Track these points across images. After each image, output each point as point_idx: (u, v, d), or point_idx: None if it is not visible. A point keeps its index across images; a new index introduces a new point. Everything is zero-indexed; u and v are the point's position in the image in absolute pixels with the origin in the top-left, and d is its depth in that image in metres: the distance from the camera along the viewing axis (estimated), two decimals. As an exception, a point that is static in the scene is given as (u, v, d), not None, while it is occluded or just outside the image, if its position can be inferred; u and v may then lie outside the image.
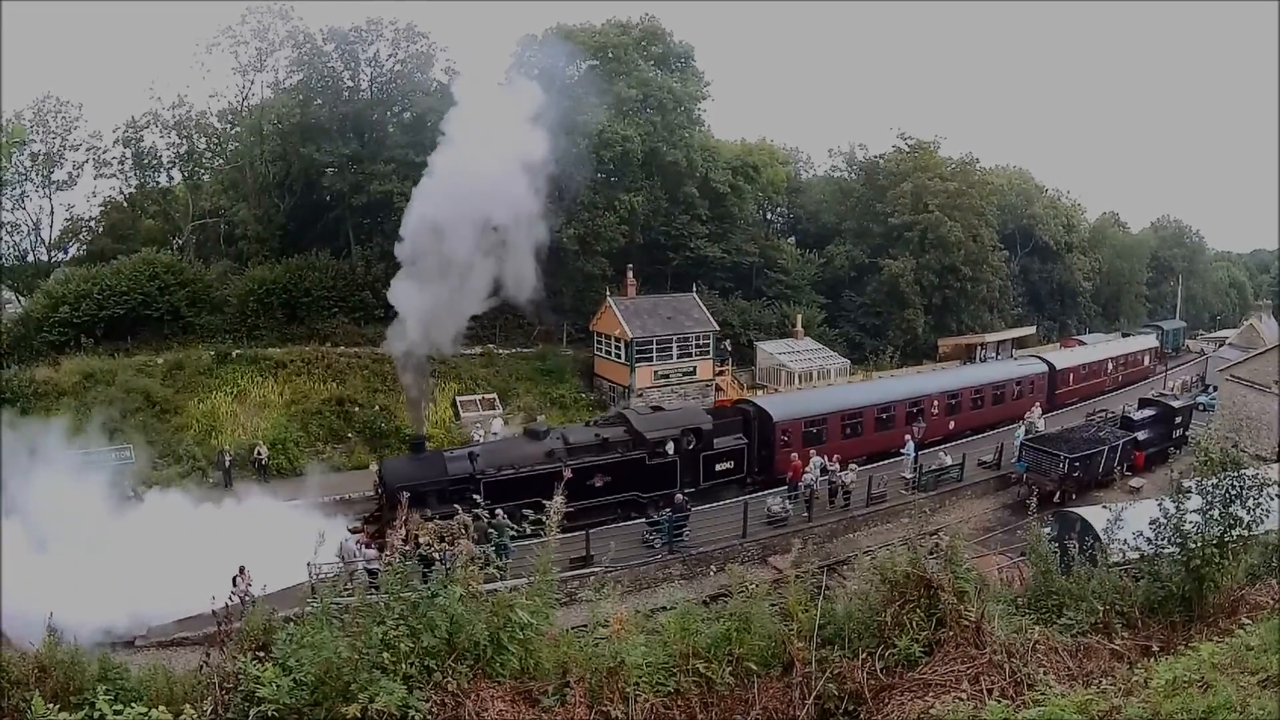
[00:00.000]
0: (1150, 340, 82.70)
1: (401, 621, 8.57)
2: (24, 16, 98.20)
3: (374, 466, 41.37)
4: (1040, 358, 66.55)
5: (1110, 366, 71.79)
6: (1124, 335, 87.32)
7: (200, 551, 28.99)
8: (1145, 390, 64.69)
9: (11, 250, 66.58)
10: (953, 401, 54.80)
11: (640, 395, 59.75)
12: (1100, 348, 75.64)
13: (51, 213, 66.24)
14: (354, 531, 33.47)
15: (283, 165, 66.12)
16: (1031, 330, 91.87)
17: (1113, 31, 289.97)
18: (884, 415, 50.58)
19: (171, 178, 69.37)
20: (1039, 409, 54.89)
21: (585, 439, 38.72)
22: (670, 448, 39.70)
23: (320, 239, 65.18)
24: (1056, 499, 41.10)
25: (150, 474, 42.40)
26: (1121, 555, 12.75)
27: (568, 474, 35.97)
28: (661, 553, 35.38)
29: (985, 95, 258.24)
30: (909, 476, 43.47)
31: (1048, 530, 20.64)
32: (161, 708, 7.60)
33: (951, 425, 53.03)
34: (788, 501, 39.39)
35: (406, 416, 53.40)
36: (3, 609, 23.45)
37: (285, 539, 32.73)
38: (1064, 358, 68.38)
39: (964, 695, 8.17)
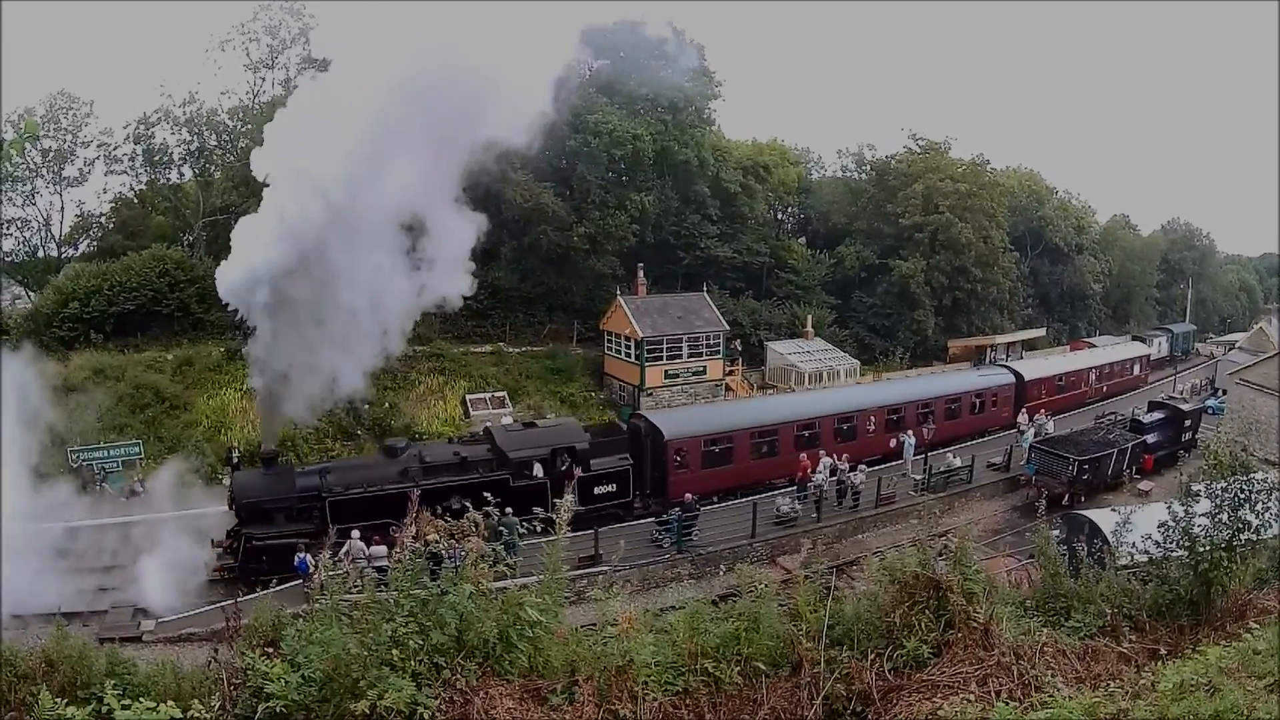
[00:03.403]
0: (1141, 347, 79.23)
1: (411, 619, 8.59)
2: (36, 13, 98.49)
3: (226, 481, 39.91)
4: (1008, 367, 62.20)
5: (1093, 376, 67.06)
6: (1134, 338, 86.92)
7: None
8: (1133, 403, 61.18)
9: (22, 246, 66.92)
10: (894, 417, 49.92)
11: (650, 394, 59.83)
12: (1081, 355, 73.25)
13: (62, 209, 66.62)
14: (215, 545, 32.78)
15: (293, 162, 66.17)
16: (1041, 332, 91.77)
17: (1123, 33, 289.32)
18: (805, 433, 45.87)
19: (182, 174, 69.45)
20: (1025, 415, 53.78)
21: (443, 457, 36.10)
22: (538, 469, 36.75)
23: (330, 236, 65.22)
24: (1065, 501, 41.04)
25: (157, 470, 42.50)
26: (1130, 558, 12.77)
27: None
28: (670, 552, 35.41)
29: (996, 96, 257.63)
30: (916, 478, 43.49)
31: (1056, 533, 20.63)
32: (169, 703, 7.59)
33: (893, 443, 47.91)
34: (797, 502, 39.40)
35: (415, 414, 53.61)
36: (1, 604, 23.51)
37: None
38: (1035, 367, 63.60)
39: (972, 697, 8.18)
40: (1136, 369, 73.60)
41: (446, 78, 30.48)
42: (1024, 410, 54.55)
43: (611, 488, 38.80)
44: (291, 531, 31.53)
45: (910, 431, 46.60)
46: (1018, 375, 59.10)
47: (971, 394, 55.46)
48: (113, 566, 33.21)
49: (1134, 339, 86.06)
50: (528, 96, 33.52)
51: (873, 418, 48.82)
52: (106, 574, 32.33)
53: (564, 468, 37.16)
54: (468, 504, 29.85)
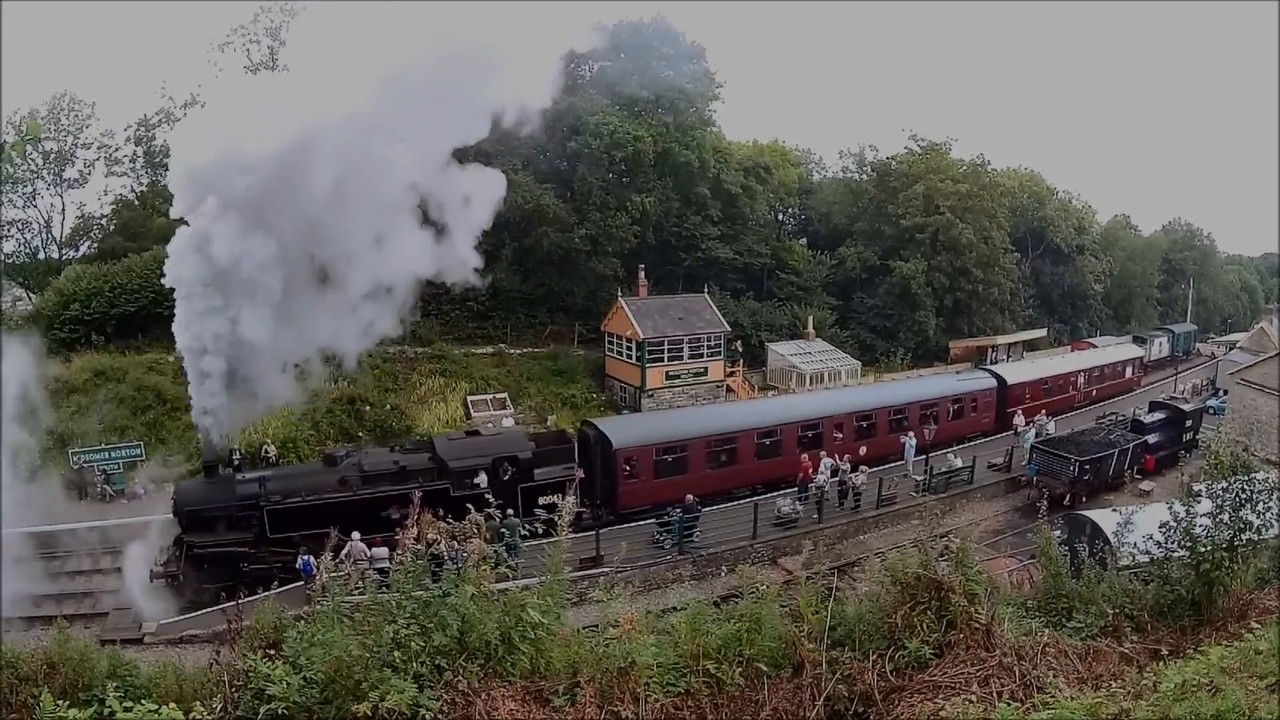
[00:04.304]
0: (1134, 349, 76.96)
1: (413, 620, 8.61)
2: (38, 14, 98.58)
3: (170, 488, 39.39)
4: (989, 370, 59.86)
5: (1081, 380, 64.28)
6: (1135, 338, 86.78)
7: None
8: (1123, 407, 59.63)
9: (23, 248, 66.90)
10: (864, 424, 47.89)
11: (651, 395, 59.87)
12: (1070, 358, 70.87)
13: (63, 210, 66.58)
14: (163, 553, 32.33)
15: (295, 163, 66.07)
16: (1043, 333, 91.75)
17: (1124, 33, 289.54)
18: (767, 440, 44.14)
19: (184, 175, 69.40)
20: (1021, 417, 52.84)
21: (383, 466, 34.81)
22: (482, 479, 34.84)
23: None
24: (1067, 502, 41.02)
25: (160, 471, 42.52)
26: (1131, 558, 12.79)
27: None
28: (671, 553, 35.36)
29: (996, 97, 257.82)
30: (917, 479, 43.43)
31: (1058, 533, 20.63)
32: (171, 705, 7.61)
33: (864, 450, 44.91)
34: (798, 503, 39.35)
35: (417, 416, 53.58)
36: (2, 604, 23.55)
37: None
38: (1019, 371, 61.21)
39: (974, 697, 8.20)
40: (1129, 372, 71.44)
41: (447, 47, 30.39)
42: (1020, 413, 53.52)
43: (557, 499, 35.74)
44: (232, 540, 31.33)
45: (911, 433, 46.31)
46: (1000, 379, 57.16)
47: (949, 399, 53.29)
48: (71, 572, 33.88)
49: (1135, 339, 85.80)
50: (530, 71, 33.24)
51: (841, 424, 46.81)
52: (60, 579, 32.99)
53: (506, 478, 35.66)
54: (407, 512, 28.58)
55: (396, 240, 32.68)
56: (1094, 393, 65.29)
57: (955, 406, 53.23)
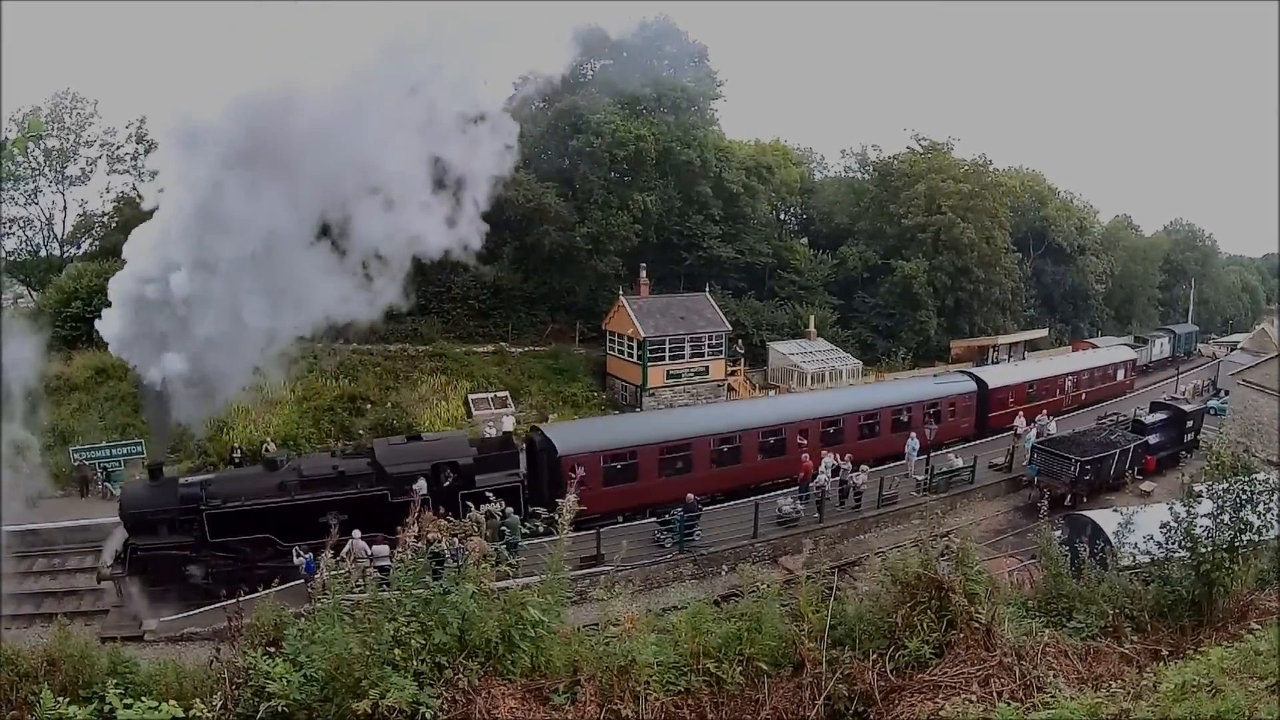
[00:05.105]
0: (1127, 352, 73.77)
1: (413, 618, 8.62)
2: (40, 13, 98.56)
3: (115, 493, 38.97)
4: (970, 374, 57.79)
5: (1069, 384, 61.75)
6: (1136, 339, 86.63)
7: None
8: (1119, 409, 57.84)
9: (24, 245, 66.75)
10: (831, 430, 46.27)
11: (652, 394, 59.88)
12: (1058, 361, 68.48)
13: (65, 208, 66.26)
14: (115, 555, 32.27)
15: (296, 160, 65.97)
16: (1044, 333, 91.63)
17: (1126, 34, 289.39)
18: (725, 447, 42.87)
19: (186, 173, 69.18)
20: (1021, 418, 51.35)
21: (321, 471, 34.07)
22: (421, 484, 33.46)
23: (331, 235, 65.25)
24: (1068, 502, 41.00)
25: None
26: (1132, 559, 12.79)
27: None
28: (672, 552, 35.35)
29: (999, 97, 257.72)
30: (919, 479, 43.36)
31: (1058, 533, 20.61)
32: (171, 702, 7.63)
33: (837, 458, 41.99)
34: (799, 502, 39.30)
35: (418, 414, 53.52)
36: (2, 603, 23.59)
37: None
38: (1002, 374, 58.84)
39: (974, 697, 8.20)
40: (1120, 375, 68.68)
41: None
42: (1020, 414, 52.30)
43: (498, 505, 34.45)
44: (173, 543, 31.19)
45: (913, 434, 46.14)
46: (981, 383, 55.25)
47: (924, 404, 51.05)
48: (72, 569, 34.08)
49: (1136, 339, 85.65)
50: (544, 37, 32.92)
51: (805, 430, 45.16)
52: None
53: (446, 484, 34.84)
54: (345, 518, 28.03)
55: (402, 205, 31.88)
56: (1083, 396, 63.32)
57: (932, 411, 51.00)
